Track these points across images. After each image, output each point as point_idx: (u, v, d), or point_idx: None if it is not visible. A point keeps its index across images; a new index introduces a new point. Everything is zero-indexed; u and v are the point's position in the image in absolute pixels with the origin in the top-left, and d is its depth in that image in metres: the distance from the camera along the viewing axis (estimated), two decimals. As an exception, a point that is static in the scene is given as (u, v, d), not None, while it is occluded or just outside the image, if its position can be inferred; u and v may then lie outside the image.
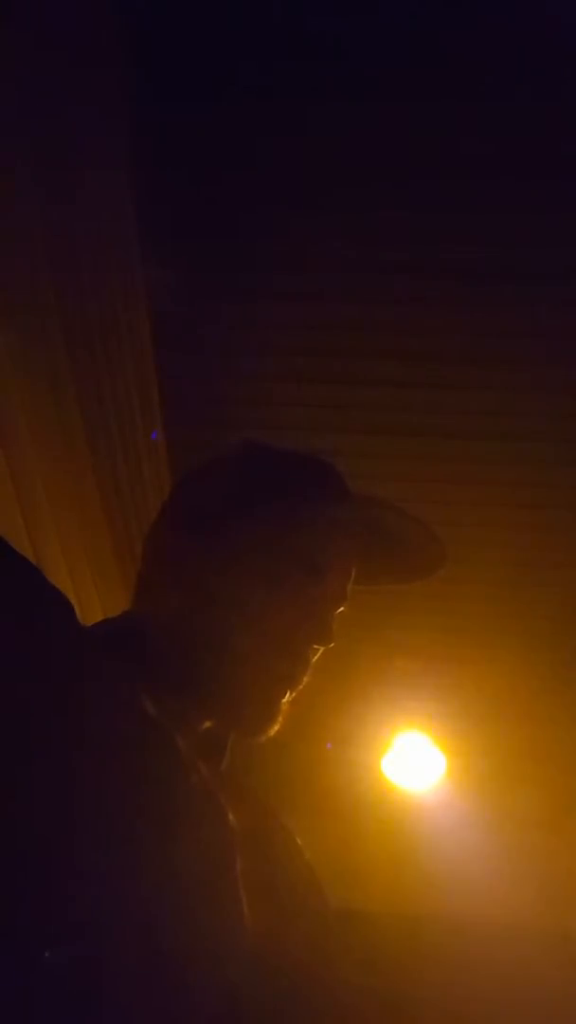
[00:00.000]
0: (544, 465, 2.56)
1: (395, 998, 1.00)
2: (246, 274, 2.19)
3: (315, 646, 0.95)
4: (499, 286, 2.16)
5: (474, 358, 2.32)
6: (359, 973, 0.97)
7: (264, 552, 0.95)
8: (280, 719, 0.93)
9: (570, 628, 3.00)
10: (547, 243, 2.06)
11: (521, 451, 2.52)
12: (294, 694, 0.94)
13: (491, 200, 1.99)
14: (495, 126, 1.88)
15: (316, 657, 0.96)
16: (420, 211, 2.03)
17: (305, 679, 0.95)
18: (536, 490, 2.64)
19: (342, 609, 0.98)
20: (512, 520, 2.70)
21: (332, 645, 0.95)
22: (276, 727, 0.93)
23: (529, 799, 3.41)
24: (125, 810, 0.72)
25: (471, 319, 2.22)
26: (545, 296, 2.16)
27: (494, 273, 2.13)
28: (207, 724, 0.94)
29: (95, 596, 2.11)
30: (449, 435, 2.52)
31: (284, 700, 0.93)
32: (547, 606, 2.97)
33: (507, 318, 2.21)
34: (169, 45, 1.80)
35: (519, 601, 2.95)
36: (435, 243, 2.09)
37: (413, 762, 3.46)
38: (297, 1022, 0.84)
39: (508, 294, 2.17)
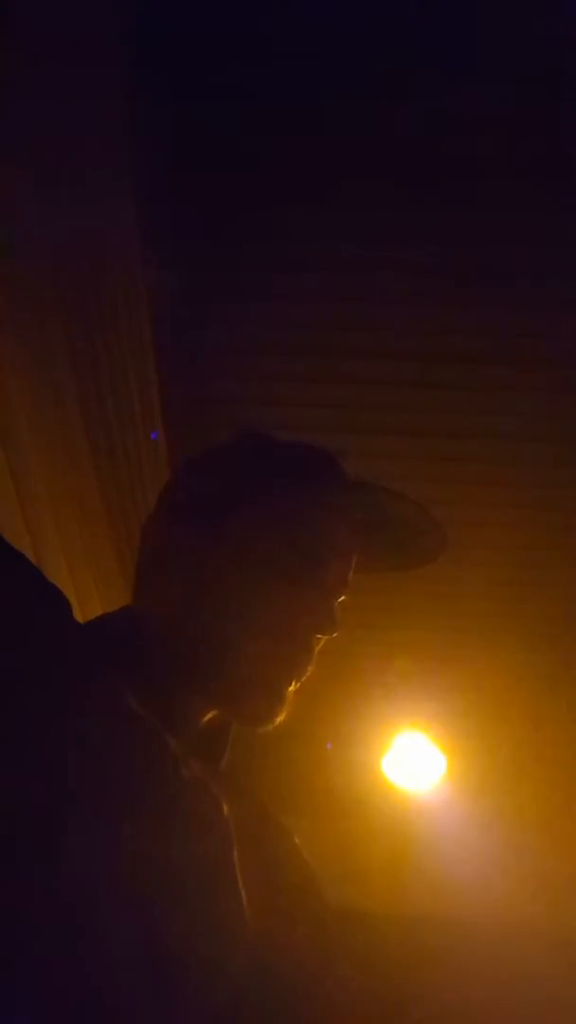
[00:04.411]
0: (544, 465, 2.56)
1: (395, 998, 1.00)
2: (246, 274, 2.19)
3: (319, 636, 0.94)
4: (499, 286, 2.16)
5: (474, 358, 2.32)
6: (358, 973, 0.97)
7: (264, 541, 0.94)
8: (285, 707, 0.92)
9: (570, 628, 3.00)
10: (547, 243, 2.06)
11: (521, 451, 2.52)
12: (299, 684, 0.93)
13: (491, 200, 1.99)
14: (495, 126, 1.88)
15: (320, 646, 0.95)
16: (420, 211, 2.02)
17: (310, 669, 0.94)
18: (536, 490, 2.64)
19: (344, 598, 0.98)
20: (512, 520, 2.70)
21: (336, 634, 0.94)
22: (281, 716, 0.91)
23: (529, 799, 3.41)
24: (116, 806, 0.72)
25: (471, 319, 2.22)
26: (545, 296, 2.16)
27: (494, 273, 2.13)
28: (209, 716, 0.94)
29: (95, 596, 2.11)
30: (449, 435, 2.52)
31: (289, 689, 0.92)
32: (547, 606, 2.97)
33: (508, 318, 2.21)
34: (169, 45, 1.80)
35: (519, 601, 2.95)
36: (434, 243, 2.09)
37: (413, 762, 3.46)
38: (296, 1022, 0.84)
39: (508, 294, 2.17)
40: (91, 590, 2.09)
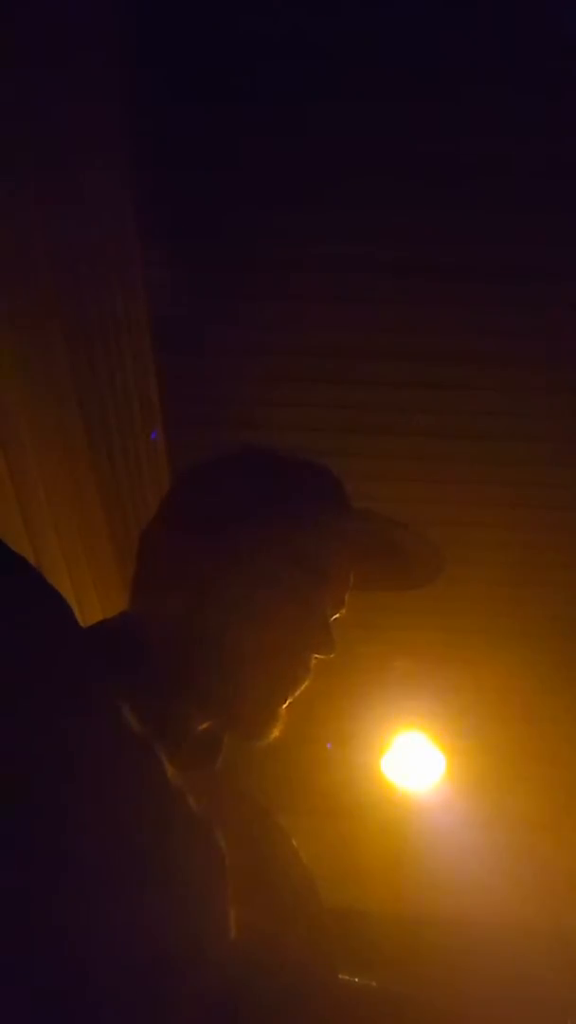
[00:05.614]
0: (544, 465, 2.56)
1: (393, 998, 1.00)
2: (246, 274, 2.19)
3: (316, 655, 0.95)
4: (499, 286, 2.16)
5: (474, 358, 2.32)
6: (358, 973, 0.97)
7: (266, 554, 0.94)
8: (280, 724, 0.92)
9: (570, 628, 3.00)
10: (547, 243, 2.06)
11: (521, 451, 2.52)
12: (292, 699, 0.94)
13: (491, 200, 1.99)
14: (495, 126, 1.88)
15: (314, 663, 0.96)
16: (420, 211, 2.03)
17: (305, 684, 0.95)
18: (536, 490, 2.64)
19: (338, 616, 0.98)
20: (512, 520, 2.70)
21: (333, 656, 0.95)
22: (276, 732, 0.92)
23: (529, 799, 3.41)
24: (114, 810, 0.72)
25: (471, 319, 2.22)
26: (545, 296, 2.16)
27: (494, 273, 2.13)
28: (204, 726, 0.94)
29: (95, 597, 2.11)
30: (449, 435, 2.52)
31: (283, 706, 0.93)
32: (547, 606, 2.97)
33: (507, 318, 2.21)
34: (169, 45, 1.80)
35: (519, 601, 2.95)
36: (435, 243, 2.09)
37: (413, 762, 3.46)
38: (295, 1022, 0.84)
39: (508, 294, 2.17)
40: (90, 592, 2.09)
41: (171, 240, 2.11)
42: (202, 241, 2.12)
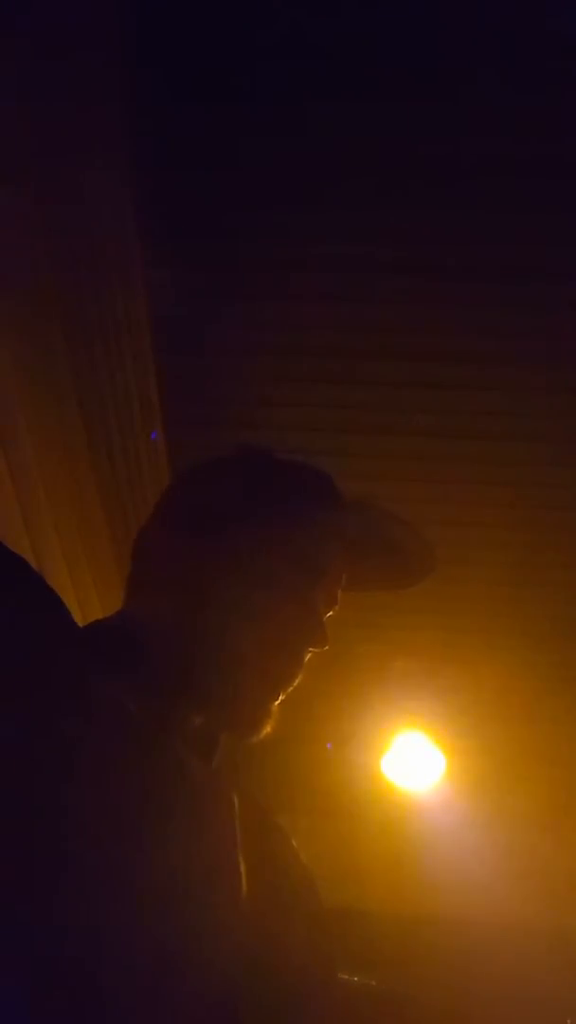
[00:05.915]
0: (544, 465, 2.56)
1: (393, 997, 1.01)
2: (246, 274, 2.19)
3: (311, 649, 0.95)
4: (499, 286, 2.16)
5: (474, 358, 2.32)
6: (357, 972, 0.98)
7: (263, 553, 0.95)
8: (272, 721, 0.93)
9: (570, 628, 3.01)
10: (548, 243, 2.06)
11: (521, 451, 2.52)
12: (285, 695, 0.95)
13: (491, 200, 1.99)
14: (495, 126, 1.88)
15: (307, 658, 0.97)
16: (420, 211, 2.03)
17: (298, 680, 0.96)
18: (536, 490, 2.64)
19: (332, 613, 0.99)
20: (512, 520, 2.70)
21: (327, 648, 0.96)
22: (268, 729, 0.93)
23: (529, 799, 3.41)
24: (119, 808, 0.72)
25: (471, 319, 2.22)
26: (545, 296, 2.16)
27: (494, 273, 2.13)
28: (198, 721, 0.94)
29: (95, 596, 2.11)
30: (449, 435, 2.52)
31: (276, 702, 0.94)
32: (547, 606, 2.97)
33: (507, 318, 2.21)
34: (169, 45, 1.80)
35: (519, 601, 2.95)
36: (435, 243, 2.09)
37: (413, 762, 3.46)
38: (295, 1021, 0.84)
39: (508, 294, 2.17)
40: (90, 592, 2.09)
41: (171, 240, 2.11)
42: (202, 241, 2.12)
